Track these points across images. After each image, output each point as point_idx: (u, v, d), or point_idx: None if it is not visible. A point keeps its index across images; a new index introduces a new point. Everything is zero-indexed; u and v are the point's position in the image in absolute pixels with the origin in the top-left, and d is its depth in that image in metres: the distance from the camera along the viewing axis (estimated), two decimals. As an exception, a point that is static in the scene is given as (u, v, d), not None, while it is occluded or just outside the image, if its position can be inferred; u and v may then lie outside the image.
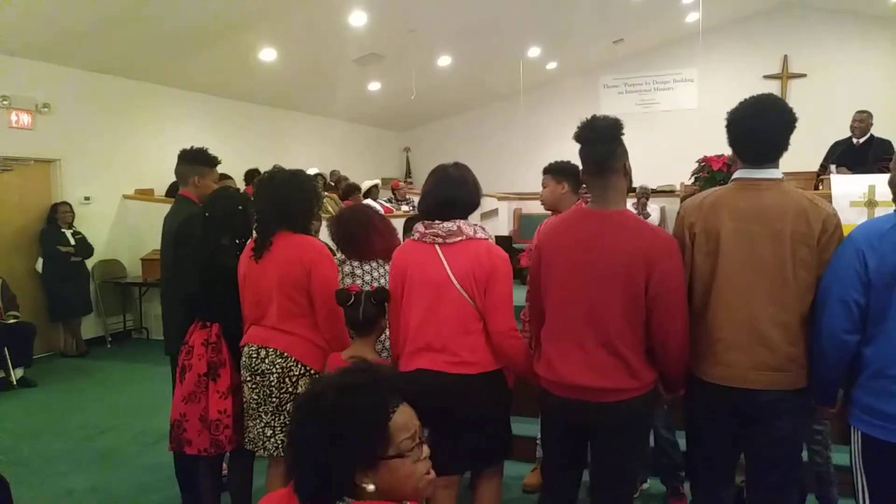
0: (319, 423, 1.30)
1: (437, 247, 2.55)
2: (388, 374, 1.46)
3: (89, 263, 7.64)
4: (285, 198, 2.86)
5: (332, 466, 1.29)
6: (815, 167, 7.15)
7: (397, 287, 2.63)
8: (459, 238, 2.54)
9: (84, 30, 6.93)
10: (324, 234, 3.62)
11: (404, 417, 1.36)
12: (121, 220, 8.26)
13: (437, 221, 2.57)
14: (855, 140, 6.83)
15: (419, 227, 2.63)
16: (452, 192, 2.58)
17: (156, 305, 7.85)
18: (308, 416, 1.33)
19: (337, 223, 3.32)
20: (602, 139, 2.32)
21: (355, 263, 3.21)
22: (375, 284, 3.07)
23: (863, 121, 6.85)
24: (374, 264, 3.20)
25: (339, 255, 3.27)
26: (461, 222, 2.56)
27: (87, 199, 7.83)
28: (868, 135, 6.88)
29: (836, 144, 7.07)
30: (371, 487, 1.32)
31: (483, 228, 2.62)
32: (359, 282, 3.13)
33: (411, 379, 2.51)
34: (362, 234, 3.19)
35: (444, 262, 2.52)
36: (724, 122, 2.35)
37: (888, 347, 2.00)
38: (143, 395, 5.78)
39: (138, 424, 5.00)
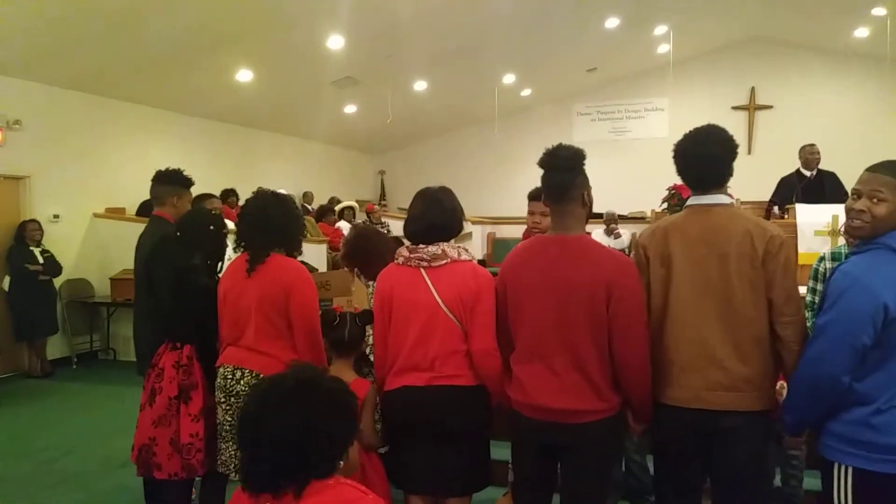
0: (325, 401, 1.50)
1: (422, 270, 2.57)
2: None
3: (56, 282, 7.50)
4: (280, 220, 2.88)
5: (338, 439, 1.50)
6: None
7: (383, 311, 2.64)
8: (444, 261, 2.56)
9: (57, 46, 6.89)
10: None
11: None
12: (90, 238, 8.15)
13: (420, 245, 2.60)
14: (809, 173, 6.93)
15: (403, 251, 2.65)
16: (442, 217, 2.62)
17: (124, 326, 7.73)
18: (310, 397, 1.49)
19: (360, 238, 3.49)
20: (563, 168, 2.40)
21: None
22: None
23: (818, 153, 6.95)
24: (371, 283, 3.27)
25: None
26: (445, 245, 2.59)
27: (56, 216, 7.73)
28: (817, 168, 6.99)
29: (787, 179, 7.07)
30: (341, 464, 1.51)
31: (466, 250, 2.65)
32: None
33: (396, 396, 2.54)
34: (376, 258, 3.24)
35: (431, 286, 2.54)
36: (671, 154, 2.45)
37: (893, 381, 2.01)
38: (110, 417, 5.67)
39: (105, 447, 4.91)
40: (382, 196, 14.82)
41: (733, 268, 2.25)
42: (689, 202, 2.45)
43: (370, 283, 3.30)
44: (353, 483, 1.52)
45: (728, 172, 2.39)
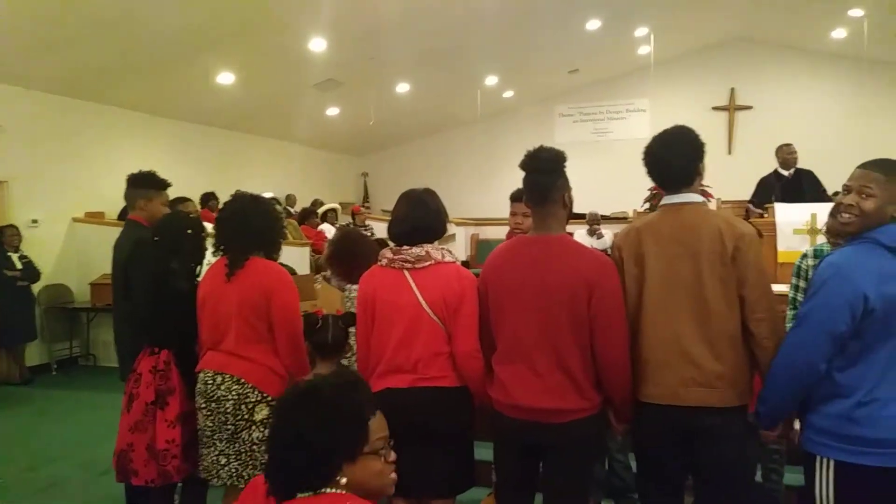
0: (317, 411, 1.46)
1: (406, 272, 2.57)
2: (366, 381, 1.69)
3: (35, 288, 7.42)
4: (259, 222, 2.86)
5: (324, 452, 1.44)
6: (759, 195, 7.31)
7: (366, 313, 2.63)
8: (428, 263, 2.56)
9: (36, 50, 6.82)
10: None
11: (379, 421, 1.56)
12: (70, 243, 8.07)
13: (405, 247, 2.59)
14: (786, 173, 7.00)
15: (386, 252, 2.64)
16: (427, 219, 2.62)
17: (104, 331, 7.66)
18: (305, 406, 1.48)
19: (345, 239, 3.45)
20: (544, 170, 2.42)
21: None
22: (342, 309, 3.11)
23: (795, 152, 7.02)
24: (356, 287, 3.26)
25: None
26: (429, 247, 2.58)
27: (34, 221, 7.64)
28: (794, 167, 7.05)
29: (766, 179, 7.13)
30: (344, 481, 1.45)
31: (450, 252, 2.65)
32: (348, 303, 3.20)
33: (379, 398, 2.53)
34: (361, 259, 3.23)
35: (415, 288, 2.54)
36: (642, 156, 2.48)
37: (877, 372, 2.04)
38: (91, 424, 5.61)
39: (86, 454, 4.85)
40: (366, 198, 14.80)
41: (705, 265, 2.28)
42: (662, 202, 2.48)
43: (347, 286, 3.30)
44: (354, 497, 1.47)
45: (695, 172, 2.41)
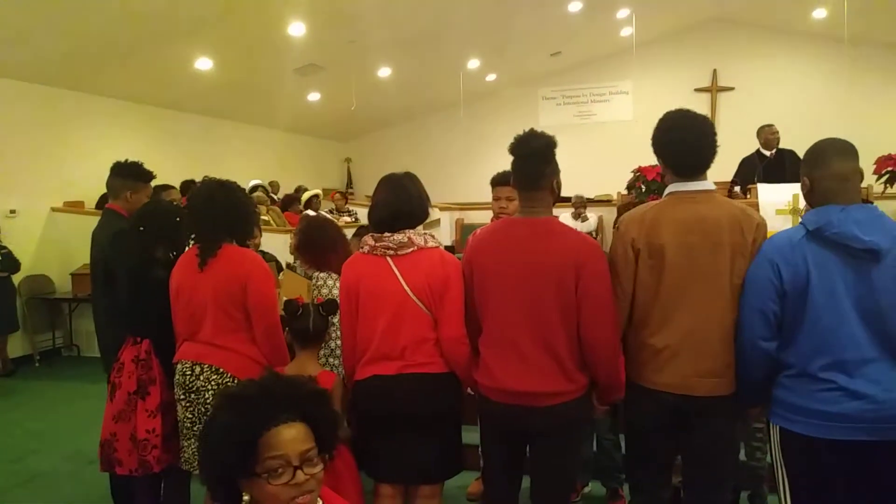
0: (207, 428, 1.45)
1: (388, 259, 2.55)
2: (286, 390, 1.43)
3: (15, 279, 7.31)
4: (228, 209, 2.81)
5: (216, 469, 1.40)
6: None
7: (350, 301, 2.61)
8: (411, 249, 2.54)
9: (8, 38, 6.67)
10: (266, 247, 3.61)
11: (284, 437, 1.36)
12: (49, 233, 7.95)
13: (386, 234, 2.57)
14: (769, 153, 7.02)
15: (368, 240, 2.62)
16: (408, 204, 2.60)
17: (86, 322, 7.59)
18: (208, 419, 1.49)
19: (309, 228, 3.44)
20: (536, 158, 2.39)
21: (310, 272, 3.32)
22: (323, 296, 3.10)
23: (777, 132, 7.05)
24: (324, 275, 3.27)
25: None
26: (411, 233, 2.56)
27: (12, 212, 7.52)
28: (776, 147, 7.07)
29: (748, 159, 7.16)
30: (246, 498, 1.39)
31: (433, 237, 2.63)
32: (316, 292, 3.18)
33: (367, 385, 2.53)
34: (330, 247, 3.22)
35: (398, 275, 2.52)
36: (651, 137, 2.43)
37: (804, 351, 2.11)
38: (75, 415, 5.57)
39: (70, 445, 4.81)
40: (349, 184, 14.70)
41: (727, 257, 2.26)
42: (671, 189, 2.40)
43: (315, 273, 3.29)
44: None
45: (713, 158, 2.39)
